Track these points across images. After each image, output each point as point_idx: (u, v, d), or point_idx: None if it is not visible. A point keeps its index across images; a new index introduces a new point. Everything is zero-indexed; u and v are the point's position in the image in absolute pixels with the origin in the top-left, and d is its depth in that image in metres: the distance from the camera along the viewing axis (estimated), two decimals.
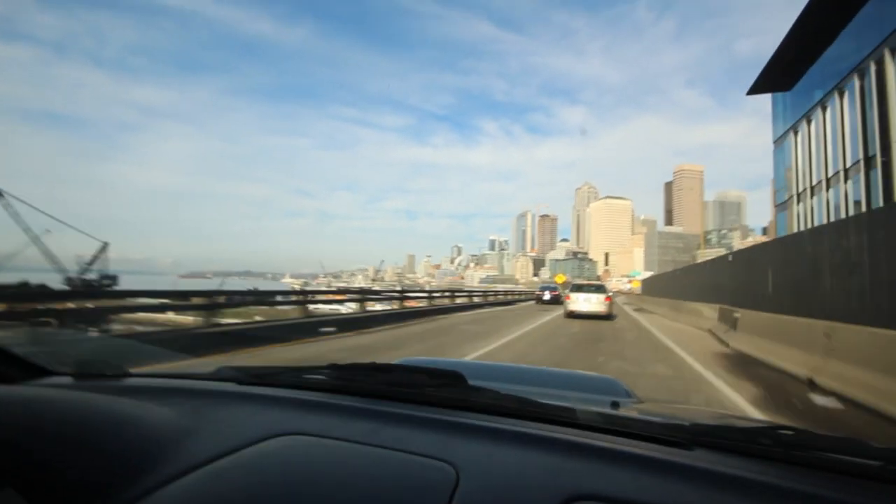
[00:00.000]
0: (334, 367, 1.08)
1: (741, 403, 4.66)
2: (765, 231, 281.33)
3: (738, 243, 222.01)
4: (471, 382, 0.98)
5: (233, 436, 0.76)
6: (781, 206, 24.08)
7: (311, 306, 12.09)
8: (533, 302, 26.70)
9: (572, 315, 14.62)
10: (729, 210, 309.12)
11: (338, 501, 0.60)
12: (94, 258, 49.86)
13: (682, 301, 16.23)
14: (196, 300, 8.18)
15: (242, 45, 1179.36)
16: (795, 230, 19.63)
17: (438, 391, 0.94)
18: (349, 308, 14.39)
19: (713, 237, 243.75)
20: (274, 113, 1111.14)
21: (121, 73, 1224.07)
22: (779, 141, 24.25)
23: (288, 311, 11.34)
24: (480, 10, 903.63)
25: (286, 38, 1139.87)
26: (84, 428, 0.69)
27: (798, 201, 21.63)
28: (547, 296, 25.07)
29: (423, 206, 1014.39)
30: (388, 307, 15.38)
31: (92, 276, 47.20)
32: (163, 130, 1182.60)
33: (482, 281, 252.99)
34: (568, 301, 15.24)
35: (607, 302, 14.69)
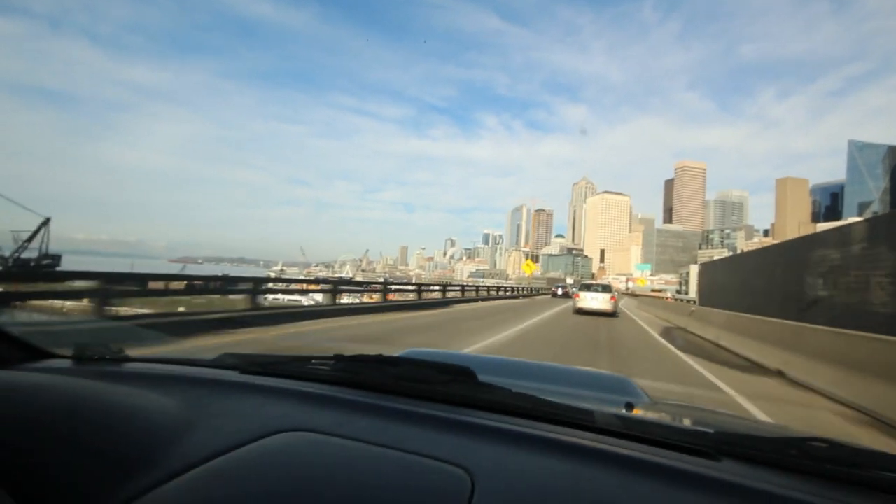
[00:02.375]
0: (339, 359, 1.05)
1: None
2: (767, 233, 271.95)
3: (743, 244, 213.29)
4: (481, 378, 0.94)
5: (234, 430, 0.73)
6: None
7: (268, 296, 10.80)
8: (516, 301, 26.87)
9: (580, 311, 16.27)
10: (730, 210, 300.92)
11: None
12: (33, 235, 42.76)
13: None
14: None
15: (241, 27, 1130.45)
16: None
17: (447, 387, 0.90)
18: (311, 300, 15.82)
19: (715, 236, 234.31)
20: (271, 98, 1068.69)
21: (116, 51, 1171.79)
22: None
23: (235, 302, 10.24)
24: (486, 2, 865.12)
25: (287, 21, 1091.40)
26: (78, 420, 0.66)
27: None
28: (559, 291, 38.53)
29: (421, 199, 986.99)
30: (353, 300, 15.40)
31: (29, 255, 41.27)
32: (157, 111, 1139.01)
33: (471, 275, 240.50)
34: (577, 299, 17.07)
35: (612, 301, 16.43)
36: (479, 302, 21.52)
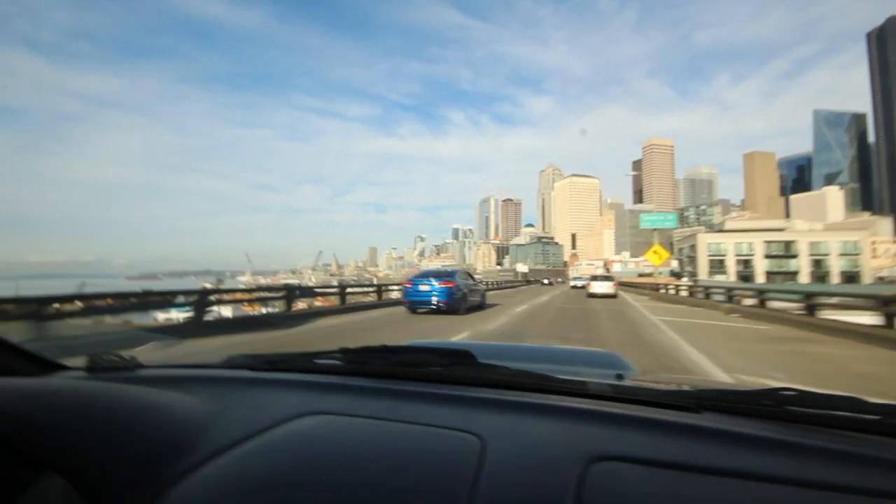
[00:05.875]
0: (345, 351, 1.11)
1: None
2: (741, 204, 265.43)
3: (720, 219, 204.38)
4: (480, 360, 1.02)
5: (258, 418, 0.78)
6: None
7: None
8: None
9: (592, 295, 22.12)
10: (700, 188, 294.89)
11: (370, 473, 0.62)
12: None
13: None
14: None
15: (194, 29, 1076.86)
16: None
17: (450, 369, 0.97)
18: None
19: (691, 214, 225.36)
20: (231, 102, 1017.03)
21: (61, 59, 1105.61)
22: None
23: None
24: None
25: (241, 21, 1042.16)
26: (111, 415, 0.70)
27: None
28: (545, 282, 63.30)
29: (392, 199, 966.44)
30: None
31: None
32: (110, 121, 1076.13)
33: None
34: (589, 287, 23.52)
35: (615, 287, 23.00)
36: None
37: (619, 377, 1.06)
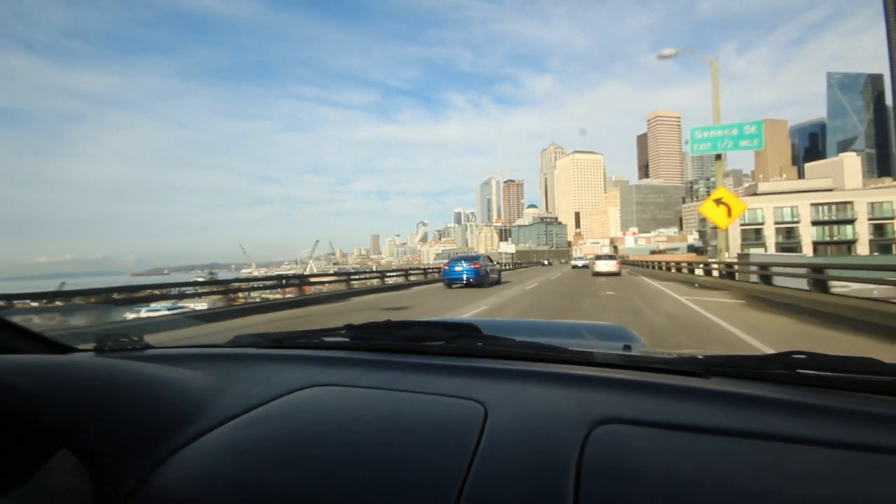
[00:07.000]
0: (350, 328, 1.12)
1: None
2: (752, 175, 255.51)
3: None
4: (485, 334, 1.02)
5: (262, 390, 0.79)
6: None
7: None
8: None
9: (597, 274, 23.24)
10: (709, 160, 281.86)
11: (373, 439, 0.63)
12: None
13: None
14: None
15: (188, 23, 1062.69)
16: None
17: (454, 342, 0.98)
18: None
19: (700, 187, 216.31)
20: (230, 96, 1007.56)
21: (57, 58, 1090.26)
22: None
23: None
24: None
25: (235, 11, 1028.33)
26: (121, 387, 0.71)
27: None
28: (546, 262, 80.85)
29: (395, 186, 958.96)
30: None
31: None
32: (112, 120, 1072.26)
33: (437, 256, 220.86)
34: (593, 266, 25.00)
35: (618, 265, 24.26)
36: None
37: (627, 348, 1.06)
